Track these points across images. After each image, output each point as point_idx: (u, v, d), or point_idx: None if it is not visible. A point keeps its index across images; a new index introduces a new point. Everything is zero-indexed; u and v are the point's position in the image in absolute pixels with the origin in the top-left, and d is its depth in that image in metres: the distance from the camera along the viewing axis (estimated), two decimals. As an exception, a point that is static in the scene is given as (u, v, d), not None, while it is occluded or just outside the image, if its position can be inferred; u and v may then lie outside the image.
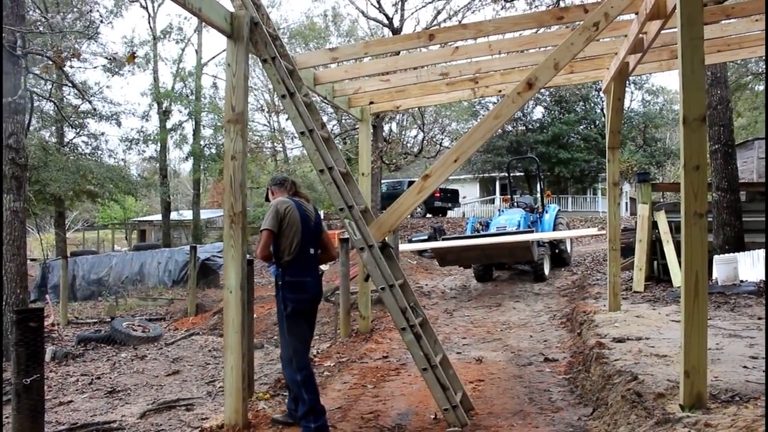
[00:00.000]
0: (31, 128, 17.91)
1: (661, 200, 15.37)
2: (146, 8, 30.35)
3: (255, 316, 8.02)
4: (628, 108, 36.80)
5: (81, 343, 10.57)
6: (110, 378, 8.19)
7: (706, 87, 10.75)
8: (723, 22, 6.95)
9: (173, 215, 34.13)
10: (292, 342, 4.54)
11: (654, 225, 10.90)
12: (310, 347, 4.85)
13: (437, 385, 4.54)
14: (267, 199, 4.97)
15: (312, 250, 4.67)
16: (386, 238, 5.27)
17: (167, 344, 10.37)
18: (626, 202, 36.97)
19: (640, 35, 6.33)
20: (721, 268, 9.71)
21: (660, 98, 38.87)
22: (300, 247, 4.53)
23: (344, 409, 5.30)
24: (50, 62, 8.71)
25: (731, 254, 10.06)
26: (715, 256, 9.98)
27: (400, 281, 4.94)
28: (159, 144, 31.48)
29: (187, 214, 35.86)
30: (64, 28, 9.21)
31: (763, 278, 9.08)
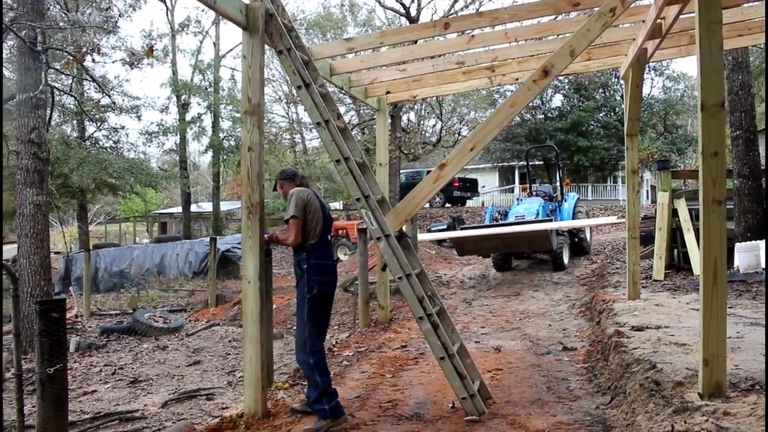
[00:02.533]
0: (53, 123, 18.14)
1: (683, 188, 15.20)
2: (164, 1, 30.58)
3: (274, 306, 8.08)
4: (649, 95, 36.41)
5: (104, 335, 10.73)
6: (132, 368, 8.31)
7: (727, 72, 10.60)
8: (744, 5, 6.83)
9: (193, 207, 34.44)
10: (309, 325, 4.63)
11: (674, 213, 10.79)
12: (325, 333, 4.94)
13: (455, 374, 4.55)
14: (274, 189, 5.22)
15: (329, 237, 4.92)
16: (404, 228, 5.28)
17: (188, 335, 10.49)
18: (647, 190, 36.62)
19: (659, 20, 6.25)
20: (743, 255, 9.59)
21: (681, 84, 38.37)
22: (322, 232, 4.72)
23: (362, 398, 5.33)
24: (71, 58, 8.79)
25: (753, 242, 9.91)
26: (737, 244, 9.85)
27: (417, 270, 4.94)
28: (178, 136, 31.74)
29: (207, 206, 36.17)
30: (84, 24, 9.28)
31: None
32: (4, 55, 20.63)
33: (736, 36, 7.40)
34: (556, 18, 8.02)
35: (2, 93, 8.61)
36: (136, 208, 40.19)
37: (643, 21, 6.55)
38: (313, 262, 4.65)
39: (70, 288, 17.54)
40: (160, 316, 11.59)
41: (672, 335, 5.84)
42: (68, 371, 3.88)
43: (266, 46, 5.26)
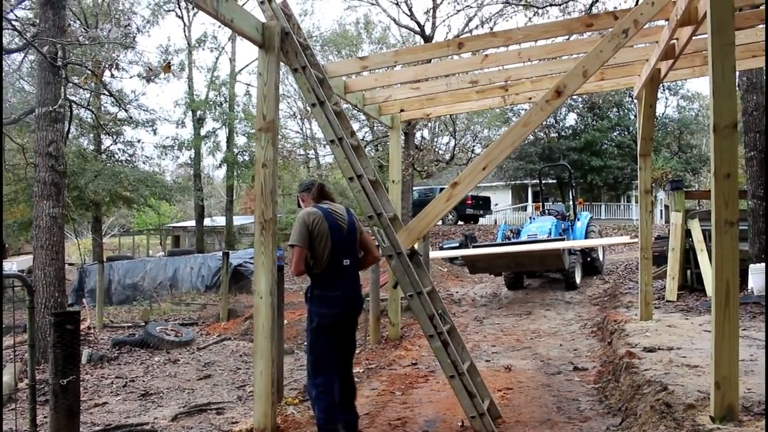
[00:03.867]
0: (70, 136, 18.36)
1: (697, 208, 15.12)
2: (182, 18, 30.96)
3: (285, 321, 8.09)
4: (663, 114, 36.31)
5: (116, 347, 10.77)
6: (143, 381, 8.33)
7: (741, 93, 10.58)
8: (758, 26, 6.84)
9: (207, 221, 34.62)
10: (310, 358, 4.42)
11: (687, 233, 10.73)
12: (331, 367, 4.38)
13: (464, 393, 4.55)
14: (299, 206, 4.80)
15: (346, 261, 4.34)
16: (416, 245, 5.31)
17: (199, 349, 10.51)
18: (661, 210, 36.42)
19: (672, 41, 6.28)
20: (757, 277, 9.50)
21: (695, 104, 38.30)
22: (330, 260, 4.28)
23: (372, 416, 5.33)
24: (90, 73, 8.94)
25: None
26: (751, 266, 9.78)
27: (428, 288, 4.96)
28: (193, 150, 32.01)
29: (221, 221, 36.34)
30: (104, 40, 9.45)
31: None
32: (24, 70, 21.00)
33: (751, 57, 7.41)
34: (569, 38, 8.05)
35: (2, 106, 8.76)
36: (150, 222, 40.45)
37: (657, 42, 6.58)
38: (316, 293, 4.33)
39: (84, 300, 17.65)
40: (172, 330, 11.63)
41: (684, 357, 5.80)
42: (80, 383, 3.91)
43: (281, 64, 5.33)
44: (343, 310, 4.36)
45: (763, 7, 6.61)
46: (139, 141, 27.72)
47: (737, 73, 9.89)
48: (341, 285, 4.33)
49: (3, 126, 8.75)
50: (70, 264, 22.09)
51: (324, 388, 4.32)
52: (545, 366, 7.02)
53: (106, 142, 27.11)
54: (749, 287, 9.55)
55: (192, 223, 35.44)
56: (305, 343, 4.59)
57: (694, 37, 5.97)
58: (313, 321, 4.36)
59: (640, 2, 5.23)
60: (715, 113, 4.01)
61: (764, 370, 5.11)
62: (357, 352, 8.39)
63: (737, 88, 10.47)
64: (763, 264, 9.76)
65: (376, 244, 4.93)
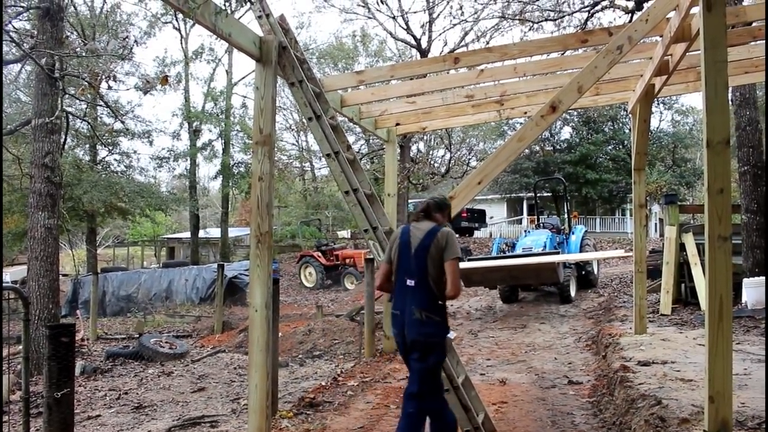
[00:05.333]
0: (66, 146, 18.37)
1: (691, 222, 15.18)
2: (179, 30, 31.01)
3: (280, 334, 8.10)
4: (657, 128, 36.50)
5: (109, 359, 10.73)
6: (137, 393, 8.30)
7: (734, 108, 10.67)
8: (751, 43, 6.92)
9: (202, 233, 34.53)
10: None
11: (682, 247, 10.78)
12: (412, 381, 4.16)
13: (459, 406, 4.55)
14: None
15: (411, 282, 4.08)
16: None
17: (193, 361, 10.47)
18: (655, 223, 36.51)
19: (666, 57, 6.35)
20: (751, 291, 9.53)
21: (690, 118, 38.46)
22: (396, 277, 4.20)
23: (366, 429, 5.33)
24: (87, 84, 8.97)
25: (761, 277, 9.87)
26: (745, 279, 9.81)
27: (423, 302, 4.96)
28: (189, 161, 32.01)
29: (215, 232, 36.26)
30: (100, 52, 9.49)
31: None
32: (21, 80, 21.02)
33: (743, 73, 7.50)
34: (564, 54, 8.12)
35: (2, 122, 8.78)
36: (144, 233, 40.33)
37: (651, 57, 6.64)
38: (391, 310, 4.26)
39: (77, 311, 17.56)
40: (166, 342, 11.59)
41: (678, 371, 5.82)
42: (74, 395, 3.90)
43: (278, 77, 5.36)
44: (399, 329, 4.14)
45: (755, 24, 6.71)
46: (135, 152, 27.69)
47: (730, 89, 9.98)
48: (402, 305, 4.12)
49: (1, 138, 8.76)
50: (64, 275, 21.98)
51: (405, 401, 4.19)
52: (540, 379, 7.03)
53: (102, 153, 27.10)
54: (743, 301, 9.57)
55: (187, 234, 35.36)
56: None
57: (687, 54, 6.03)
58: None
59: (634, 19, 5.29)
60: (709, 129, 4.05)
61: (759, 384, 5.13)
62: (351, 365, 8.41)
63: (731, 104, 10.56)
64: (757, 278, 9.81)
65: (371, 256, 4.87)
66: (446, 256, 4.04)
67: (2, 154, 8.93)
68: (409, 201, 28.02)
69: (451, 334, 4.23)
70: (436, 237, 4.07)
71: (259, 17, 5.41)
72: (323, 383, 7.28)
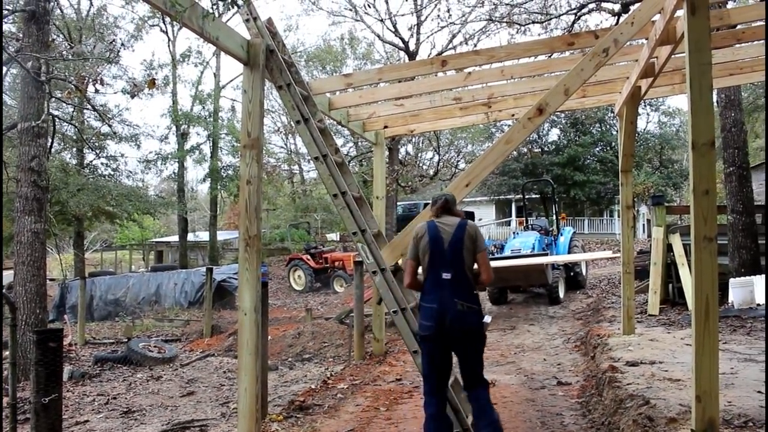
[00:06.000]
0: (52, 150, 18.25)
1: (679, 222, 15.29)
2: (166, 32, 30.91)
3: (269, 338, 8.08)
4: (644, 129, 36.76)
5: (98, 363, 10.67)
6: (126, 398, 8.26)
7: (720, 109, 10.77)
8: (735, 46, 6.99)
9: (190, 236, 34.40)
10: (421, 368, 4.45)
11: (669, 248, 10.85)
12: (432, 382, 4.33)
13: (449, 408, 4.55)
14: (408, 219, 4.76)
15: (447, 275, 4.19)
16: (399, 261, 5.33)
17: (182, 365, 10.44)
18: (643, 224, 36.75)
19: (651, 60, 6.39)
20: (737, 291, 9.62)
21: (676, 120, 38.77)
22: (429, 272, 4.25)
23: (356, 432, 5.33)
24: (74, 87, 8.92)
25: (747, 277, 9.96)
26: (731, 279, 9.90)
27: (412, 304, 4.98)
28: (177, 164, 31.89)
29: (204, 236, 36.13)
30: (87, 55, 9.44)
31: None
32: (6, 84, 20.86)
33: (728, 75, 7.57)
34: (551, 56, 8.16)
35: (2, 123, 8.71)
36: (132, 237, 40.13)
37: (636, 60, 6.69)
38: (420, 304, 4.32)
39: (65, 316, 17.46)
40: (155, 346, 11.54)
41: (666, 371, 5.86)
42: (62, 400, 3.87)
43: (266, 80, 5.36)
44: (439, 322, 4.16)
45: (739, 27, 6.78)
46: (122, 155, 27.51)
47: (715, 91, 10.07)
48: (438, 298, 4.18)
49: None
50: (51, 279, 21.83)
51: (426, 396, 4.34)
52: (529, 381, 7.05)
53: (89, 156, 26.93)
54: (729, 301, 9.66)
55: (175, 238, 35.21)
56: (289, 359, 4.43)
57: (673, 56, 6.08)
58: (418, 331, 4.38)
59: (620, 22, 5.33)
60: (694, 131, 4.09)
61: (746, 383, 5.18)
62: (341, 368, 8.41)
63: (716, 105, 10.65)
64: (743, 278, 9.90)
65: (360, 259, 4.85)
66: (478, 247, 4.30)
67: (2, 155, 8.85)
68: (398, 203, 28.02)
69: (487, 318, 4.46)
70: (467, 230, 4.29)
71: (247, 20, 5.41)
72: (313, 386, 7.27)
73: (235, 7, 4.85)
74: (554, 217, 16.61)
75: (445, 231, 4.29)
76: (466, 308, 4.16)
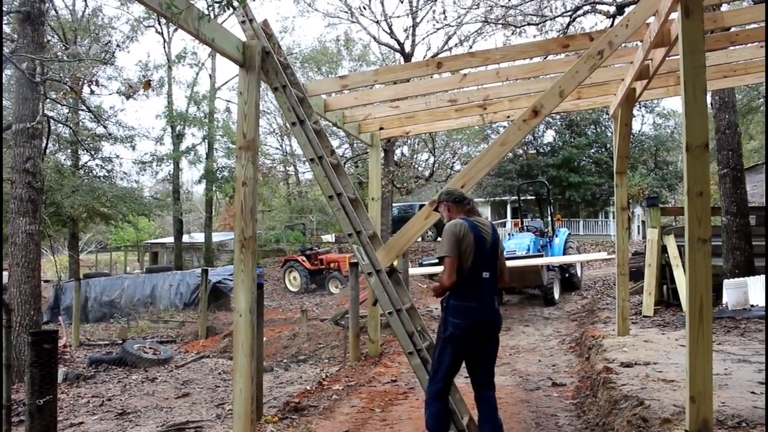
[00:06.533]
0: (47, 151, 18.20)
1: (674, 223, 15.33)
2: (161, 33, 30.87)
3: (264, 339, 8.08)
4: (639, 131, 36.84)
5: (92, 365, 10.63)
6: (121, 400, 8.23)
7: (714, 111, 10.82)
8: (729, 48, 7.02)
9: (185, 238, 34.34)
10: (434, 363, 4.46)
11: (663, 249, 10.89)
12: (448, 379, 4.38)
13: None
14: (436, 210, 4.70)
15: (486, 274, 4.27)
16: (395, 263, 5.34)
17: (177, 367, 10.41)
18: (638, 225, 36.82)
19: (646, 62, 6.41)
20: (732, 292, 9.66)
21: (671, 121, 38.85)
22: (471, 271, 4.23)
23: (352, 433, 5.33)
24: (69, 89, 8.90)
25: (741, 278, 10.01)
26: (725, 281, 9.94)
27: (407, 305, 4.99)
28: (172, 165, 31.84)
29: (199, 237, 36.07)
30: (82, 56, 9.41)
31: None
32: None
33: (722, 77, 7.60)
34: (546, 58, 8.18)
35: (1, 123, 8.69)
36: (127, 238, 40.03)
37: (631, 62, 6.71)
38: (453, 303, 4.26)
39: (60, 317, 17.40)
40: (150, 347, 11.51)
41: (660, 372, 5.88)
42: (57, 402, 3.87)
43: (262, 82, 5.36)
44: (478, 321, 4.24)
45: (732, 30, 6.80)
46: (117, 156, 27.48)
47: (709, 93, 10.11)
48: (479, 297, 4.25)
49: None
50: (45, 281, 21.76)
51: (436, 396, 4.36)
52: (524, 382, 7.07)
53: (84, 157, 26.87)
54: (723, 302, 9.70)
55: (170, 239, 35.16)
56: (437, 349, 4.39)
57: (667, 58, 6.10)
58: (447, 330, 4.28)
59: (615, 24, 5.35)
60: (688, 133, 4.11)
61: (739, 384, 5.20)
62: (336, 369, 8.41)
63: (710, 107, 10.70)
64: (737, 279, 9.94)
65: (355, 261, 4.86)
66: (502, 248, 4.58)
67: (2, 156, 8.83)
68: (394, 205, 28.03)
69: None
70: (497, 232, 4.51)
71: (243, 22, 5.41)
72: (308, 387, 7.27)
73: (231, 9, 4.85)
74: (549, 218, 16.67)
75: (485, 231, 4.36)
76: (498, 307, 4.44)
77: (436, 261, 19.75)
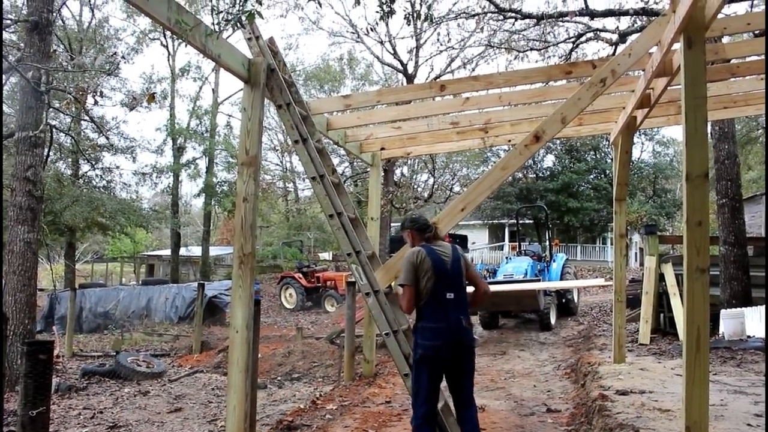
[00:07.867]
0: (48, 160, 18.23)
1: (671, 251, 15.34)
2: (166, 46, 31.05)
3: (260, 355, 8.04)
4: (639, 158, 37.02)
5: (85, 377, 10.57)
6: (112, 413, 8.18)
7: (713, 142, 10.89)
8: (730, 79, 7.08)
9: (182, 251, 34.26)
10: (412, 388, 4.52)
11: (661, 277, 10.89)
12: (431, 401, 4.41)
13: (438, 432, 4.54)
14: (401, 241, 4.89)
15: (450, 295, 4.38)
16: (393, 284, 5.34)
17: (171, 381, 10.35)
18: (635, 252, 36.85)
19: (647, 91, 6.47)
20: (728, 322, 9.65)
21: (671, 149, 39.08)
22: (434, 293, 4.35)
23: (344, 453, 5.29)
24: (73, 99, 8.93)
25: (738, 309, 10.01)
26: (722, 311, 9.93)
27: (404, 327, 4.98)
28: (172, 177, 31.86)
29: (196, 251, 36.00)
30: (87, 66, 9.47)
31: (771, 335, 9.02)
32: (5, 93, 20.89)
33: (722, 108, 7.66)
34: (548, 84, 8.24)
35: (1, 127, 8.70)
36: (124, 249, 39.94)
37: (633, 90, 6.77)
38: (419, 325, 4.38)
39: (54, 327, 17.33)
40: (143, 360, 11.45)
41: (656, 400, 5.85)
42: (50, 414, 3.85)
43: (265, 99, 5.39)
44: (446, 341, 4.31)
45: (733, 61, 6.87)
46: (117, 167, 27.48)
47: (709, 124, 10.18)
48: (445, 317, 4.34)
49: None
50: (40, 289, 21.69)
51: (423, 420, 4.38)
52: (519, 407, 7.03)
53: (84, 167, 26.88)
54: (720, 332, 9.68)
55: (167, 252, 35.07)
56: (413, 374, 4.47)
57: (668, 88, 6.15)
58: (417, 352, 4.39)
59: (618, 52, 5.40)
60: (688, 163, 4.13)
61: (735, 415, 5.18)
62: (330, 388, 8.36)
63: (710, 137, 10.77)
64: (734, 309, 9.93)
65: (353, 280, 4.87)
66: (470, 266, 4.65)
67: (1, 164, 8.83)
68: (392, 224, 28.04)
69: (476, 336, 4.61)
70: (459, 252, 4.58)
71: (249, 39, 5.46)
72: (302, 406, 7.23)
73: (240, 26, 4.89)
74: (547, 242, 16.67)
75: (443, 254, 4.48)
76: (467, 325, 4.40)
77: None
